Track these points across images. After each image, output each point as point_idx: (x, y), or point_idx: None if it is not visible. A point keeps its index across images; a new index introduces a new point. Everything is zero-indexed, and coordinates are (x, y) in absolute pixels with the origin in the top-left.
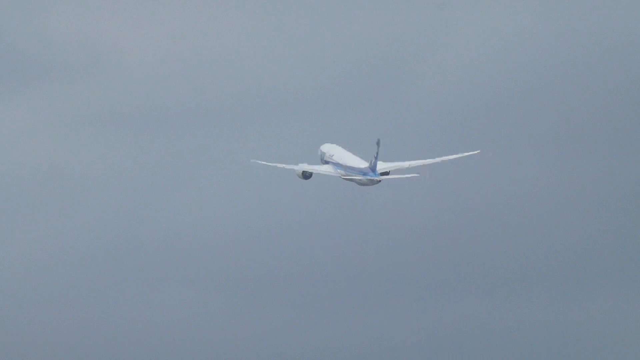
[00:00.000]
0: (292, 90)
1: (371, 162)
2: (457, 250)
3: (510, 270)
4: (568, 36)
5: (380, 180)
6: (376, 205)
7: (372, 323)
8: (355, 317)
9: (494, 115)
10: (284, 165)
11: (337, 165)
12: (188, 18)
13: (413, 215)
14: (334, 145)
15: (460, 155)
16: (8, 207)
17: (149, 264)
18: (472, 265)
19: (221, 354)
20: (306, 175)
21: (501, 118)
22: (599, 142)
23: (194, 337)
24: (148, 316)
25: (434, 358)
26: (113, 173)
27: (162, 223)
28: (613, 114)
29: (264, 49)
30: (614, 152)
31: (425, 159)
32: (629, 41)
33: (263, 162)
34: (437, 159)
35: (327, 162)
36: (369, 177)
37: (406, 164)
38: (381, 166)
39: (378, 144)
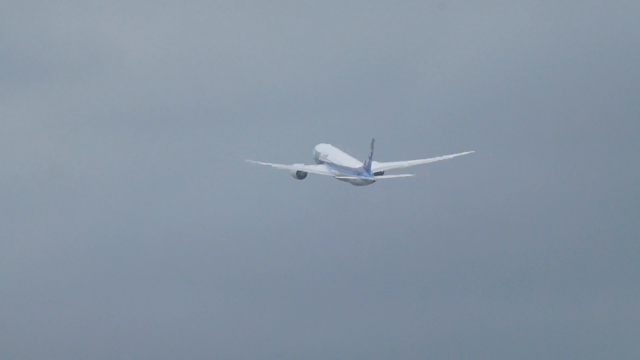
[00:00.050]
0: (292, 91)
1: (365, 162)
2: (456, 250)
3: (510, 270)
4: (568, 36)
5: (374, 180)
6: (371, 205)
7: (372, 323)
8: (354, 317)
9: (494, 115)
10: (278, 165)
11: (331, 165)
12: (188, 18)
13: (409, 215)
14: (329, 145)
15: (455, 155)
16: (8, 207)
17: (149, 264)
18: (471, 265)
19: (221, 354)
20: (300, 175)
21: (501, 118)
22: (599, 142)
23: (194, 337)
24: (148, 316)
25: (434, 358)
26: (113, 173)
27: (162, 223)
28: (613, 114)
29: (263, 49)
30: (614, 152)
31: (420, 158)
32: (629, 41)
33: (257, 162)
34: (432, 159)
35: (321, 162)
36: (363, 177)
37: (402, 163)
38: (375, 166)
39: (372, 144)
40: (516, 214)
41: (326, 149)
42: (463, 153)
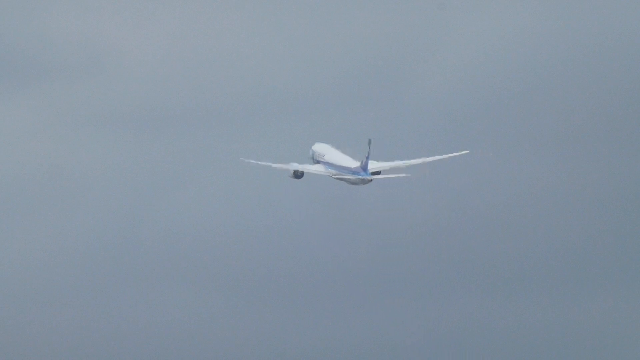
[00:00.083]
0: (292, 91)
1: (362, 161)
2: (454, 250)
3: (509, 270)
4: (568, 36)
5: (371, 180)
6: (368, 205)
7: (371, 323)
8: (354, 317)
9: (494, 115)
10: (275, 164)
11: (328, 164)
12: (188, 18)
13: (406, 215)
14: (325, 144)
15: (450, 155)
16: (8, 207)
17: (149, 264)
18: (470, 265)
19: (221, 354)
20: (298, 175)
21: (501, 118)
22: (599, 142)
23: (194, 337)
24: (148, 316)
25: (434, 358)
26: (113, 173)
27: (162, 223)
28: (613, 114)
29: (263, 49)
30: (614, 152)
31: (416, 158)
32: (629, 41)
33: (254, 162)
34: (428, 159)
35: (318, 162)
36: (360, 177)
37: (398, 163)
38: (372, 166)
39: (369, 143)
40: (516, 214)
41: (323, 149)
42: (458, 153)
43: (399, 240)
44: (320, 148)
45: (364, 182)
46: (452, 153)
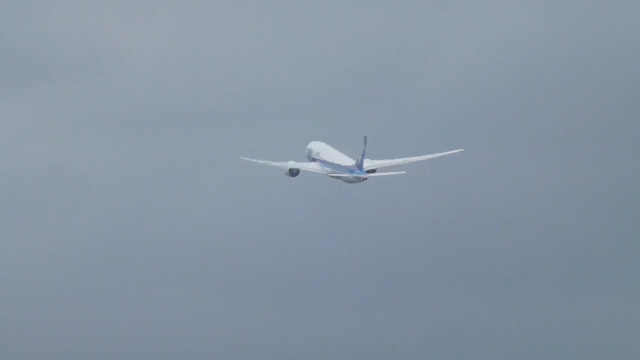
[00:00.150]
0: (292, 90)
1: (358, 159)
2: (452, 249)
3: (509, 269)
4: (568, 36)
5: (366, 178)
6: (365, 203)
7: (371, 322)
8: (353, 317)
9: (494, 115)
10: (271, 162)
11: (324, 162)
12: (188, 18)
13: (402, 213)
14: (321, 143)
15: (444, 153)
16: (8, 207)
17: (149, 264)
18: (469, 265)
19: (221, 354)
20: (293, 173)
21: (501, 118)
22: (599, 142)
23: (194, 337)
24: (148, 316)
25: (433, 358)
26: (113, 173)
27: (162, 223)
28: (613, 114)
29: (263, 49)
30: (614, 152)
31: (412, 156)
32: (629, 41)
33: (250, 160)
34: (424, 157)
35: (314, 160)
36: (355, 175)
37: (394, 161)
38: (368, 164)
39: (365, 141)
40: (515, 214)
41: (319, 147)
42: (452, 151)
43: (395, 239)
44: (316, 146)
45: (360, 180)
46: (446, 151)
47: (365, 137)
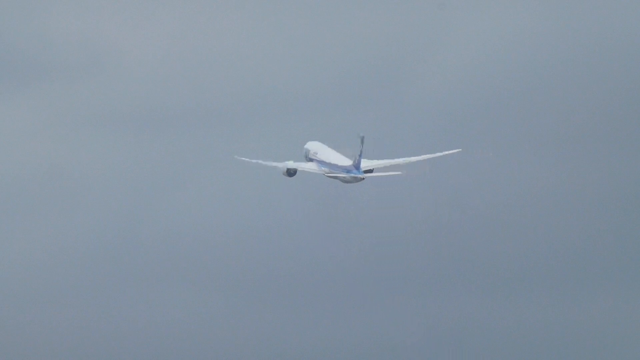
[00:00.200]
0: (292, 90)
1: (355, 159)
2: (449, 248)
3: (510, 270)
4: (568, 36)
5: (364, 178)
6: (362, 203)
7: (371, 322)
8: (354, 317)
9: (493, 115)
10: (268, 162)
11: (321, 162)
12: (188, 18)
13: (400, 213)
14: (319, 143)
15: (442, 153)
16: (8, 207)
17: (149, 264)
18: (469, 265)
19: (221, 354)
20: (291, 173)
21: (501, 118)
22: (599, 142)
23: (194, 337)
24: (148, 316)
25: (433, 358)
26: (113, 173)
27: (162, 223)
28: (613, 114)
29: (263, 49)
30: (614, 152)
31: (410, 156)
32: (629, 41)
33: (247, 160)
34: (421, 157)
35: (311, 160)
36: (352, 175)
37: (392, 161)
38: (365, 164)
39: (362, 141)
40: (515, 214)
41: (316, 147)
42: (450, 151)
43: (393, 238)
44: (313, 146)
45: (357, 180)
46: (444, 151)
47: (362, 137)
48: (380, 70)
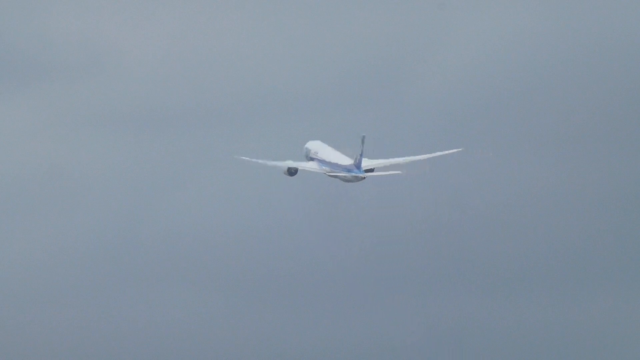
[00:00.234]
0: (292, 90)
1: (356, 159)
2: (450, 248)
3: (510, 270)
4: (568, 36)
5: (364, 177)
6: (363, 202)
7: (371, 322)
8: (354, 317)
9: (494, 115)
10: (269, 162)
11: (322, 162)
12: (188, 18)
13: (400, 212)
14: (319, 142)
15: (443, 152)
16: (8, 207)
17: (149, 264)
18: (469, 265)
19: (221, 354)
20: (292, 172)
21: (501, 118)
22: (599, 142)
23: (194, 337)
24: (148, 316)
25: (433, 358)
26: (113, 173)
27: (162, 223)
28: (613, 114)
29: (263, 49)
30: (614, 152)
31: (410, 156)
32: (629, 41)
33: (248, 159)
34: (422, 157)
35: (312, 159)
36: (353, 174)
37: (392, 160)
38: (366, 163)
39: (363, 141)
40: (515, 214)
41: (317, 146)
42: (451, 150)
43: (394, 238)
44: (314, 145)
45: (358, 179)
46: (445, 150)
47: (363, 137)
48: (381, 70)
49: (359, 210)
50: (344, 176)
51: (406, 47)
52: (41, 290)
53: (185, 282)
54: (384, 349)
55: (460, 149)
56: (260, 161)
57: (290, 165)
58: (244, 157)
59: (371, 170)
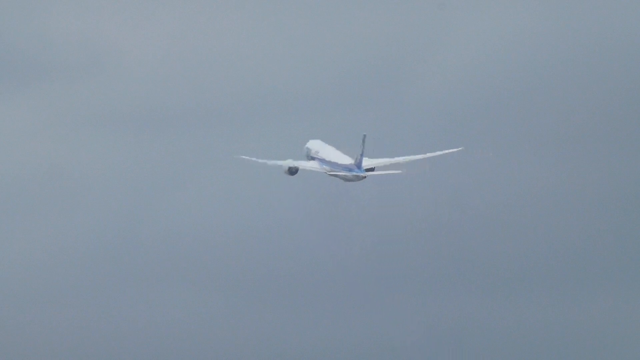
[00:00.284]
0: (292, 90)
1: (356, 158)
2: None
3: (510, 270)
4: (568, 36)
5: (365, 176)
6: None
7: (371, 322)
8: (354, 317)
9: (494, 115)
10: (269, 161)
11: (322, 161)
12: (188, 18)
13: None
14: (320, 141)
15: (443, 152)
16: (8, 207)
17: (149, 264)
18: (469, 265)
19: (221, 354)
20: (292, 172)
21: (501, 118)
22: (599, 142)
23: (194, 337)
24: (148, 316)
25: (433, 358)
26: (113, 173)
27: (162, 223)
28: (613, 114)
29: (263, 49)
30: (614, 152)
31: (410, 155)
32: (629, 41)
33: (248, 158)
34: (422, 156)
35: (312, 159)
36: (354, 173)
37: (393, 160)
38: (366, 162)
39: (363, 140)
40: (515, 214)
41: (317, 146)
42: (452, 150)
43: (394, 237)
44: (314, 145)
45: (358, 178)
46: (445, 150)
47: (364, 136)
48: (381, 70)
49: (359, 209)
50: (345, 175)
51: (406, 47)
52: (41, 290)
53: (185, 282)
54: (384, 349)
55: (460, 149)
56: (260, 161)
57: (290, 165)
58: (244, 157)
59: (372, 169)
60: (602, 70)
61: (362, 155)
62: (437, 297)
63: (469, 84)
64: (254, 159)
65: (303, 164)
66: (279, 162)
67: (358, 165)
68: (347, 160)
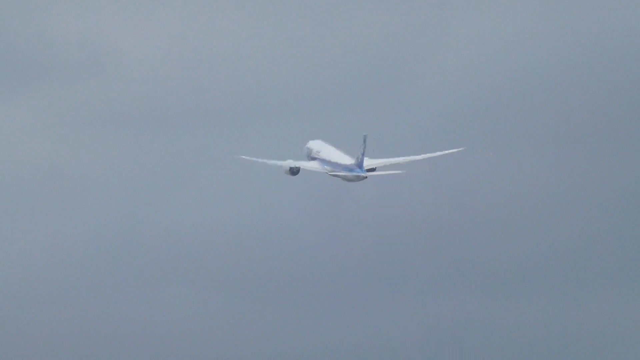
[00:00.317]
0: (292, 90)
1: (357, 158)
2: (451, 248)
3: (510, 270)
4: (568, 36)
5: (366, 177)
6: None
7: (371, 322)
8: (354, 317)
9: (494, 115)
10: (271, 161)
11: (323, 161)
12: (188, 18)
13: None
14: (321, 141)
15: (445, 152)
16: (8, 207)
17: (149, 264)
18: (469, 265)
19: (221, 354)
20: (293, 172)
21: (501, 118)
22: (599, 142)
23: (194, 337)
24: (148, 316)
25: (434, 358)
26: (113, 173)
27: (162, 223)
28: (613, 114)
29: (264, 49)
30: (614, 152)
31: (412, 155)
32: (629, 41)
33: (250, 158)
34: (423, 156)
35: (313, 159)
36: (355, 174)
37: (394, 160)
38: (367, 162)
39: (364, 140)
40: (515, 214)
41: (318, 146)
42: (453, 150)
43: (395, 238)
44: (315, 145)
45: (359, 178)
46: (446, 150)
47: (365, 136)
48: (381, 70)
49: (360, 209)
50: (346, 175)
51: (406, 47)
52: (41, 290)
53: (185, 282)
54: (384, 349)
55: (461, 149)
56: (261, 161)
57: (291, 165)
58: (244, 157)
59: (373, 169)
60: (602, 70)
61: (363, 155)
62: (437, 297)
63: (469, 84)
64: (254, 159)
65: (304, 164)
66: (279, 162)
67: (359, 165)
68: (348, 160)
